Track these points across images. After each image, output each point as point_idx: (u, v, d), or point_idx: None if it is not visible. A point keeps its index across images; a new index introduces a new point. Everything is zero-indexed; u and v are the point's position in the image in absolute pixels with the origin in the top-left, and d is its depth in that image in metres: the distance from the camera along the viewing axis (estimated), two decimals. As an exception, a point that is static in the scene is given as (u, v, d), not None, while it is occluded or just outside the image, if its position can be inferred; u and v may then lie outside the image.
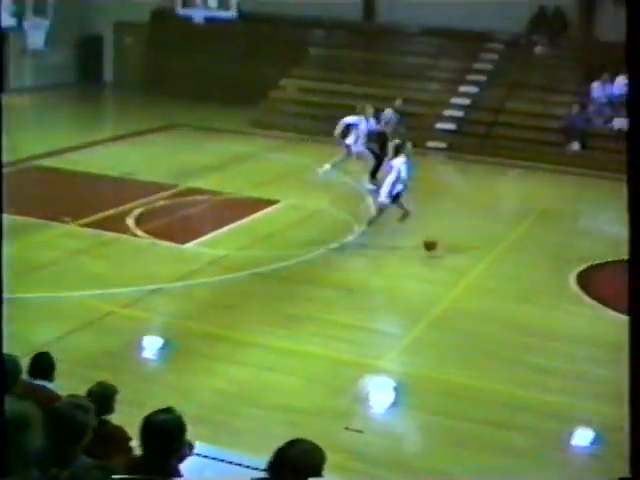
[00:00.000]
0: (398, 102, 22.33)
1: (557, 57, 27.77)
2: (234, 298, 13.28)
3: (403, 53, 28.53)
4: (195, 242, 15.62)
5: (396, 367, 11.30)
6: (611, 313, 13.42)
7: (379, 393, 10.72)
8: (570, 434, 9.90)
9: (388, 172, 16.28)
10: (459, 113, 26.15)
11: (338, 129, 20.00)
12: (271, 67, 28.33)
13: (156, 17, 31.45)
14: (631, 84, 3.77)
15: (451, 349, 11.79)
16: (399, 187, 16.00)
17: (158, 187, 18.68)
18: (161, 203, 17.77)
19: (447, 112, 26.35)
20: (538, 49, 27.92)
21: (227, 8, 25.85)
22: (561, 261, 15.66)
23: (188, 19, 26.55)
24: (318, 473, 4.55)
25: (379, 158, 19.86)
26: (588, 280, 14.80)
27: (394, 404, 10.46)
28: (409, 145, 16.36)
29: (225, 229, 16.50)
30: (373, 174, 19.94)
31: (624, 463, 8.94)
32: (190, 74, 30.15)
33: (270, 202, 18.28)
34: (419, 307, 13.13)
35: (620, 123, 25.16)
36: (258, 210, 17.77)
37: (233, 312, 12.57)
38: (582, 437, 9.87)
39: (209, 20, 26.39)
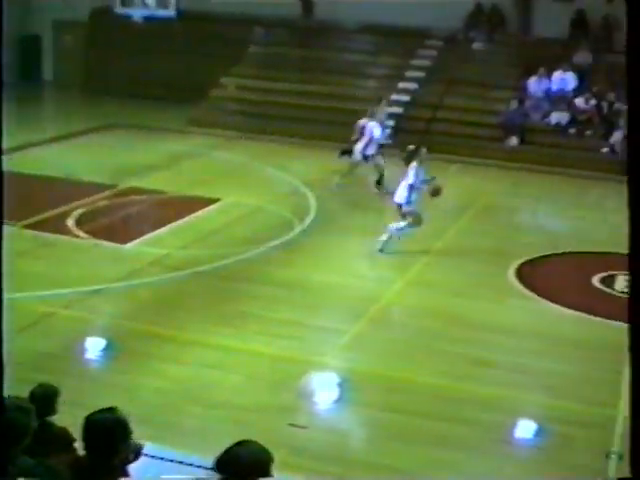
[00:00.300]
0: (384, 102, 22.42)
1: (495, 53, 28.07)
2: (176, 297, 13.27)
3: (342, 50, 28.61)
4: (136, 242, 15.57)
5: (339, 363, 11.36)
6: (549, 305, 13.66)
7: (322, 389, 10.78)
8: (511, 426, 9.99)
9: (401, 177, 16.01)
10: (398, 110, 26.29)
11: (355, 135, 19.68)
12: (211, 65, 28.29)
13: (95, 16, 31.24)
14: (631, 87, 3.79)
15: (393, 344, 11.89)
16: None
17: (98, 187, 18.58)
18: (102, 203, 17.68)
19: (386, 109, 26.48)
20: (476, 45, 28.19)
21: (166, 7, 25.75)
22: (500, 255, 15.85)
23: (128, 18, 26.40)
24: (266, 474, 4.60)
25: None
26: (527, 273, 15.01)
27: (337, 400, 10.52)
28: (424, 150, 16.07)
29: (166, 228, 16.47)
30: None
31: (566, 453, 9.11)
32: (130, 73, 30.01)
33: (211, 200, 18.27)
34: (360, 303, 13.22)
35: (557, 118, 25.51)
36: (199, 209, 17.75)
37: (176, 311, 12.56)
38: (524, 429, 9.97)
39: (148, 19, 26.26)
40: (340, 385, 10.74)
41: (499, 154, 23.96)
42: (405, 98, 26.73)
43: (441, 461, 9.04)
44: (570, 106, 25.80)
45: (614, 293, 14.48)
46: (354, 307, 13.09)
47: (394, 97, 26.53)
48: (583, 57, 27.10)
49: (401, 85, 27.16)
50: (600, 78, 26.50)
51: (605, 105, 25.66)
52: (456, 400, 10.37)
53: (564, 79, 26.39)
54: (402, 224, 15.63)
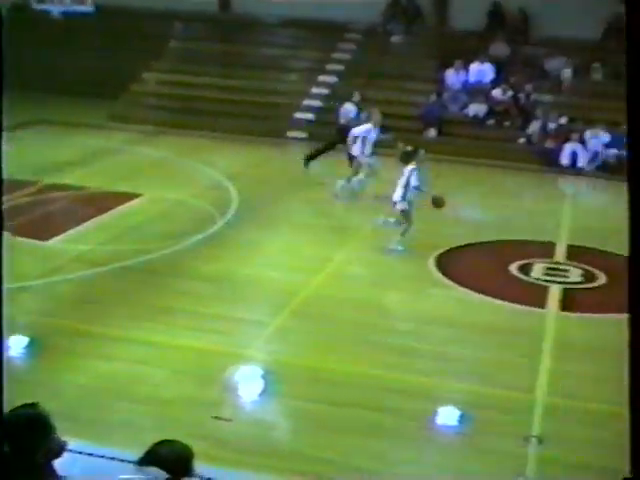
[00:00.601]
0: (356, 96, 22.49)
1: (413, 45, 28.39)
2: (100, 293, 13.24)
3: (262, 44, 28.70)
4: (58, 238, 15.48)
5: (263, 355, 11.46)
6: (469, 294, 13.93)
7: (247, 382, 10.84)
8: (435, 413, 10.14)
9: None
10: (318, 103, 26.48)
11: (350, 142, 19.28)
12: (131, 60, 28.12)
13: (13, 11, 30.83)
14: (630, 86, 3.86)
15: (316, 335, 12.02)
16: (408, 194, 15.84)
17: (19, 184, 18.36)
18: (23, 200, 17.52)
19: (306, 102, 26.68)
20: (394, 38, 28.47)
21: (83, 2, 25.52)
22: (421, 246, 16.07)
23: (46, 13, 26.12)
24: (188, 470, 4.70)
25: (329, 145, 20.54)
26: (447, 263, 15.28)
27: (262, 392, 10.59)
28: (422, 152, 16.24)
29: (88, 224, 16.40)
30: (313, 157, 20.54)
31: (487, 438, 9.34)
32: (50, 69, 29.68)
33: (133, 196, 18.23)
34: (284, 295, 13.33)
35: (475, 109, 25.90)
36: (121, 204, 17.70)
37: (99, 307, 12.54)
38: (447, 416, 10.09)
39: (66, 14, 26.01)
40: (265, 377, 10.81)
41: (418, 145, 24.16)
42: (325, 91, 26.94)
43: (367, 450, 9.14)
44: (488, 98, 26.23)
45: (530, 280, 14.83)
46: (278, 300, 13.19)
47: (314, 90, 26.72)
48: (500, 49, 27.54)
49: (321, 78, 27.35)
50: (517, 69, 26.98)
51: (522, 96, 26.14)
52: (381, 389, 10.51)
53: (481, 71, 26.81)
54: (391, 220, 15.97)
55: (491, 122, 25.67)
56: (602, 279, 15.05)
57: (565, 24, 26.76)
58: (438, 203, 15.99)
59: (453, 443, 9.72)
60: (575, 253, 16.42)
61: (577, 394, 10.66)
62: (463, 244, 16.42)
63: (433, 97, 25.91)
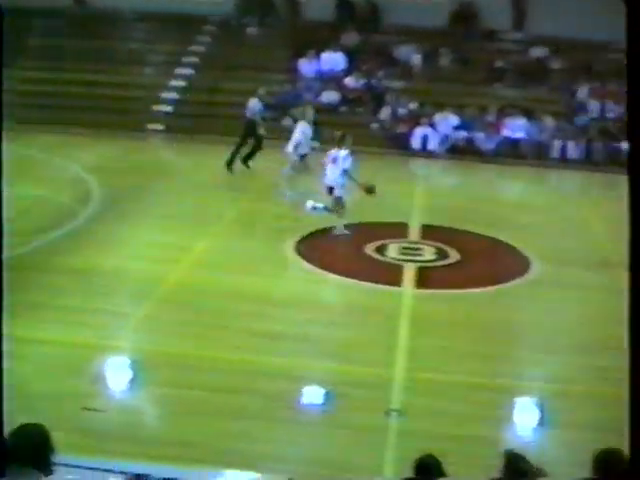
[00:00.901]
0: (262, 91, 22.62)
1: (267, 37, 28.70)
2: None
3: (119, 39, 28.55)
4: None
5: (130, 345, 11.55)
6: (327, 276, 14.38)
7: (116, 372, 10.92)
8: (300, 393, 10.35)
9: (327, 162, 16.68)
10: (176, 95, 26.61)
11: (291, 147, 19.20)
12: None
13: None
14: (630, 85, 4.04)
15: (181, 324, 12.19)
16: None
17: None
18: None
19: (164, 94, 26.76)
20: (249, 30, 28.75)
21: None
22: (281, 231, 16.46)
23: None
24: (47, 452, 4.86)
25: (256, 145, 20.79)
26: (306, 247, 15.70)
27: (131, 381, 10.70)
28: (349, 137, 16.74)
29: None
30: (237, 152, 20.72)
31: (351, 414, 9.72)
32: None
33: (-8, 193, 18.02)
34: (148, 285, 13.48)
35: (328, 97, 26.42)
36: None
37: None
38: (313, 394, 10.30)
39: None
40: (133, 366, 10.94)
41: (276, 134, 24.56)
42: (182, 83, 27.08)
43: (236, 432, 9.35)
44: (340, 85, 26.78)
45: (386, 260, 15.38)
46: (142, 290, 13.33)
47: (172, 83, 26.83)
48: (350, 38, 28.13)
49: (178, 71, 27.46)
50: (368, 57, 27.60)
51: (374, 83, 26.79)
52: (247, 372, 10.77)
53: (333, 60, 27.35)
54: (321, 205, 16.61)
55: (344, 109, 26.24)
56: (455, 256, 15.70)
57: (413, 12, 27.52)
58: (370, 190, 16.78)
59: (318, 421, 9.99)
60: (428, 232, 17.06)
61: (433, 367, 11.13)
62: (321, 228, 16.84)
63: (287, 86, 26.33)
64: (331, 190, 16.63)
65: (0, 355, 4.26)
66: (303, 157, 19.48)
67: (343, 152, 16.63)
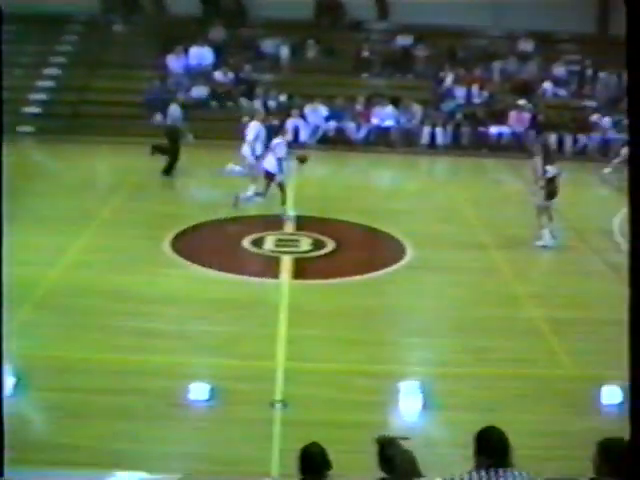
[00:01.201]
0: (181, 95, 22.79)
1: (134, 34, 28.45)
2: None
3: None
4: None
5: (9, 351, 11.35)
6: (205, 271, 14.38)
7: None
8: (183, 390, 10.30)
9: (270, 152, 17.58)
10: (44, 96, 26.19)
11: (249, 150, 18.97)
12: None
13: None
14: (631, 86, 4.00)
15: (59, 326, 12.01)
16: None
17: None
18: None
19: (32, 96, 26.29)
20: (115, 27, 28.47)
21: None
22: (156, 228, 16.39)
23: None
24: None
25: (174, 153, 20.52)
26: (182, 243, 15.67)
27: (13, 387, 10.51)
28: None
29: None
30: (169, 169, 20.58)
31: (236, 408, 9.72)
32: None
33: None
34: (24, 290, 13.18)
35: (198, 92, 26.38)
36: None
37: None
38: (198, 391, 10.27)
39: None
40: (14, 373, 10.75)
41: (146, 131, 24.41)
42: (50, 84, 26.66)
43: (122, 433, 9.29)
44: (209, 80, 26.73)
45: (264, 253, 15.47)
46: (18, 295, 13.04)
47: (39, 84, 26.40)
48: (218, 33, 28.10)
49: (46, 71, 27.03)
50: (236, 51, 27.63)
51: (243, 76, 26.83)
52: (129, 372, 10.69)
53: (201, 54, 27.28)
54: (250, 193, 17.74)
55: (214, 103, 26.21)
56: (330, 246, 15.87)
57: (278, 5, 27.60)
58: (302, 159, 18.04)
59: (203, 416, 10.00)
60: (303, 223, 17.20)
61: (315, 357, 11.29)
62: (197, 223, 16.84)
63: (156, 83, 26.14)
64: (269, 175, 17.52)
65: (0, 355, 4.24)
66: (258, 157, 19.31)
67: (277, 140, 17.71)
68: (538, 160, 16.30)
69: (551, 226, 16.37)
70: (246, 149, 19.08)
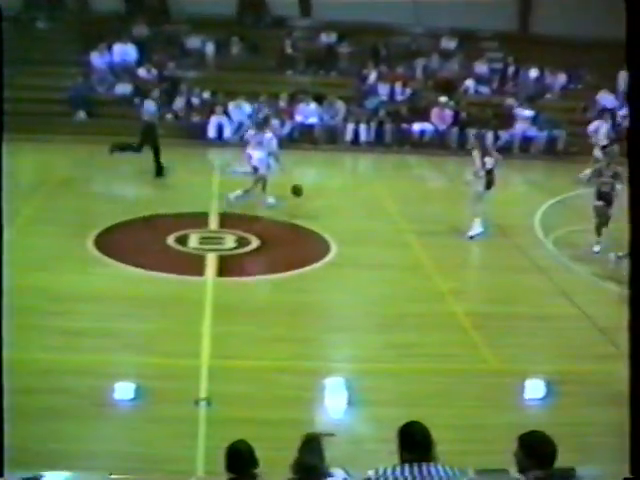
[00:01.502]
0: (155, 93, 23.00)
1: (57, 31, 28.13)
2: None
3: None
4: None
5: None
6: (129, 269, 14.30)
7: None
8: (109, 389, 10.28)
9: (258, 145, 17.99)
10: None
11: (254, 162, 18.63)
12: None
13: None
14: (631, 82, 4.04)
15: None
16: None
17: None
18: None
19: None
20: (39, 24, 28.15)
21: None
22: (80, 227, 16.25)
23: None
24: None
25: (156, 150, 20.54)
26: (106, 241, 15.55)
27: None
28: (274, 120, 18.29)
29: None
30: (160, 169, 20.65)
31: (161, 406, 9.69)
32: None
33: None
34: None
35: (122, 89, 26.21)
36: None
37: None
38: (123, 390, 10.23)
39: None
40: None
41: (69, 129, 24.23)
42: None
43: (47, 433, 9.20)
44: (133, 77, 26.57)
45: (188, 250, 15.45)
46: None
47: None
48: (141, 29, 27.94)
49: (-33, 70, 26.64)
50: (160, 48, 27.50)
51: (167, 73, 26.73)
52: (53, 372, 10.57)
53: (125, 51, 27.10)
54: (239, 193, 18.03)
55: (138, 101, 26.04)
56: (255, 243, 15.91)
57: (203, 1, 27.55)
58: (297, 191, 18.06)
59: (130, 416, 9.99)
60: (228, 220, 17.21)
61: (240, 354, 11.29)
62: (120, 221, 16.74)
63: (80, 80, 25.90)
64: (256, 170, 18.03)
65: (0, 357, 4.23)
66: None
67: (268, 135, 18.20)
68: (477, 154, 17.25)
69: (483, 215, 17.16)
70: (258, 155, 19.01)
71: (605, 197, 15.95)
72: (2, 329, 4.41)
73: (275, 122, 25.48)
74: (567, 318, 13.22)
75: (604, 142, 23.27)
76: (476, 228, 16.99)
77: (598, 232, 16.19)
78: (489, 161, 17.09)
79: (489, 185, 17.06)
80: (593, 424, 9.91)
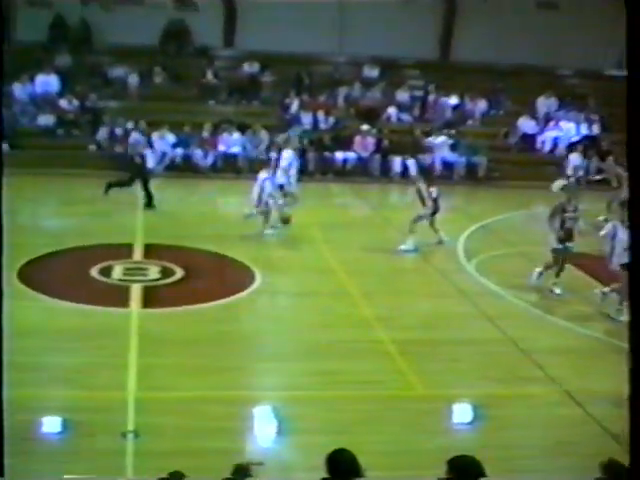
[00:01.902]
0: (142, 123, 23.42)
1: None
2: None
3: None
4: None
5: None
6: (55, 302, 14.16)
7: None
8: (37, 423, 10.15)
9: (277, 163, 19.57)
10: None
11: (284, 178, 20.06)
12: None
13: None
14: (630, 87, 4.04)
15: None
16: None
17: None
18: None
19: None
20: None
21: None
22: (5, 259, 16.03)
23: None
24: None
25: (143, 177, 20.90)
26: (29, 274, 15.36)
27: None
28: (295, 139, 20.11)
29: None
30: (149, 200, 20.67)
31: (90, 440, 9.57)
32: None
33: None
34: None
35: (44, 120, 26.06)
36: None
37: None
38: (49, 424, 10.15)
39: None
40: None
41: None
42: None
43: None
44: (55, 108, 26.40)
45: (112, 282, 15.37)
46: None
47: None
48: (64, 59, 27.80)
49: None
50: (82, 78, 27.39)
51: (89, 104, 26.62)
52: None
53: (47, 82, 26.96)
54: (280, 201, 18.98)
55: (61, 132, 25.90)
56: (179, 273, 15.89)
57: (126, 32, 27.55)
58: (286, 220, 19.00)
59: (56, 449, 9.91)
60: (152, 251, 17.17)
61: (166, 385, 11.27)
62: (44, 253, 16.59)
63: (2, 111, 25.67)
64: (281, 187, 19.34)
65: (0, 359, 4.20)
66: (282, 187, 19.89)
67: (287, 152, 20.21)
68: (422, 184, 18.77)
69: (437, 236, 18.87)
70: (281, 176, 19.95)
71: (567, 231, 15.54)
72: (2, 330, 4.44)
73: (198, 152, 25.59)
74: (491, 342, 13.42)
75: (570, 172, 24.05)
76: (409, 244, 18.20)
77: (557, 275, 15.94)
78: (434, 190, 18.59)
79: (434, 212, 18.58)
80: (520, 447, 10.08)
